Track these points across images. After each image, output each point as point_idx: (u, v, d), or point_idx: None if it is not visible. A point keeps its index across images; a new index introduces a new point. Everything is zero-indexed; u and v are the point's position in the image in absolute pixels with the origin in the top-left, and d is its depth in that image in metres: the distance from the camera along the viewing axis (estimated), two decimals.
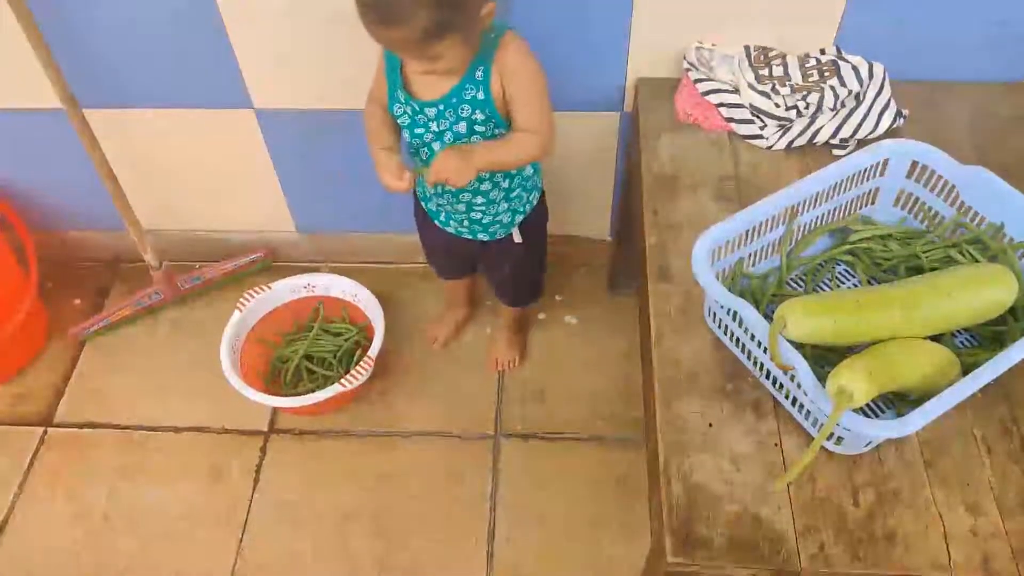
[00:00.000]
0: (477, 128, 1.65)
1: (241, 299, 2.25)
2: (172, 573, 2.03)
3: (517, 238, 1.93)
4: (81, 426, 2.28)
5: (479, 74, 1.59)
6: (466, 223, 1.89)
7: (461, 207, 1.83)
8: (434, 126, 1.66)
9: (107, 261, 2.64)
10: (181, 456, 2.22)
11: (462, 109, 1.62)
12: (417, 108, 1.64)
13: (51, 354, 2.44)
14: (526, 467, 2.17)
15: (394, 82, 1.66)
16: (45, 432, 2.27)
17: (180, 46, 1.98)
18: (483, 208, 1.83)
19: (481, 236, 1.92)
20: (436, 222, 1.95)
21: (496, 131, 1.67)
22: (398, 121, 1.70)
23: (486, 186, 1.78)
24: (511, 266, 2.07)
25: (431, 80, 1.60)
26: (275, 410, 2.29)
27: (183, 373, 2.37)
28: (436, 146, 1.68)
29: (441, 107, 1.63)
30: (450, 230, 1.94)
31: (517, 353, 2.35)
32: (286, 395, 2.22)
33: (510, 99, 1.63)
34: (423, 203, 1.95)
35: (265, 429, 2.26)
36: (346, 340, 2.34)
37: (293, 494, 2.15)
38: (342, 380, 2.09)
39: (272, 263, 2.61)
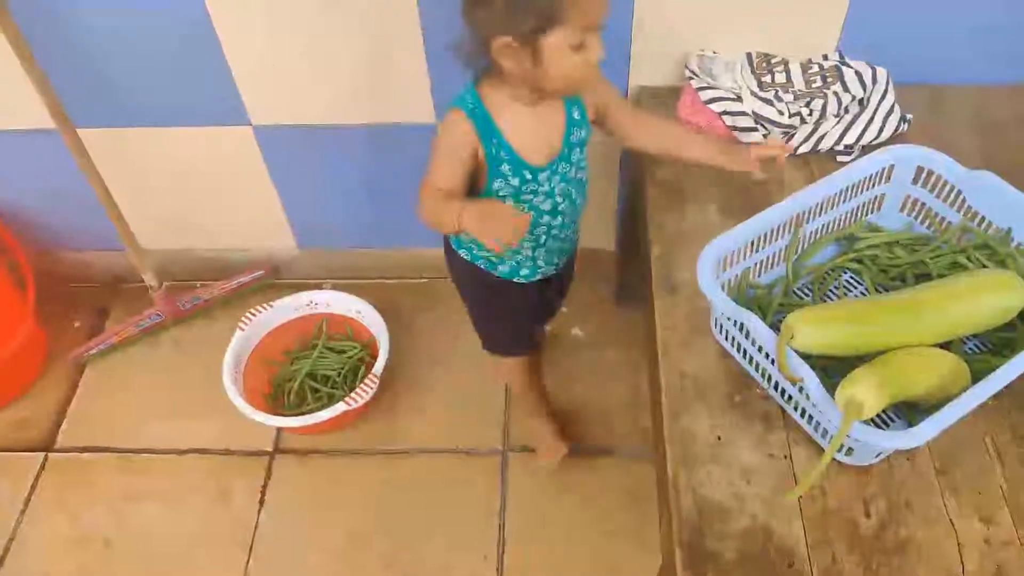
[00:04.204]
0: (581, 165, 1.61)
1: (243, 318, 2.23)
2: None
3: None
4: (82, 450, 2.26)
5: (576, 114, 1.54)
6: (556, 256, 1.76)
7: (569, 232, 1.73)
8: (544, 188, 1.56)
9: (106, 282, 2.62)
10: (185, 479, 2.20)
11: (573, 155, 1.57)
12: (529, 176, 1.52)
13: (51, 378, 2.42)
14: (535, 481, 2.15)
15: (497, 158, 1.49)
16: (46, 457, 2.25)
17: (175, 65, 1.97)
18: (576, 223, 1.76)
19: (562, 258, 1.80)
20: (517, 279, 1.76)
21: (586, 154, 1.62)
22: (499, 195, 1.54)
23: (581, 200, 1.70)
24: (569, 278, 2.00)
25: (538, 140, 1.51)
26: (279, 430, 2.27)
27: (185, 395, 2.35)
28: (547, 203, 1.59)
29: (555, 165, 1.54)
30: (537, 277, 1.78)
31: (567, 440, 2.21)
32: (290, 415, 2.20)
33: (608, 111, 1.59)
34: (493, 268, 1.74)
35: (270, 449, 2.24)
36: (350, 357, 2.33)
37: (300, 514, 2.12)
38: (347, 398, 2.07)
39: (273, 281, 2.59)
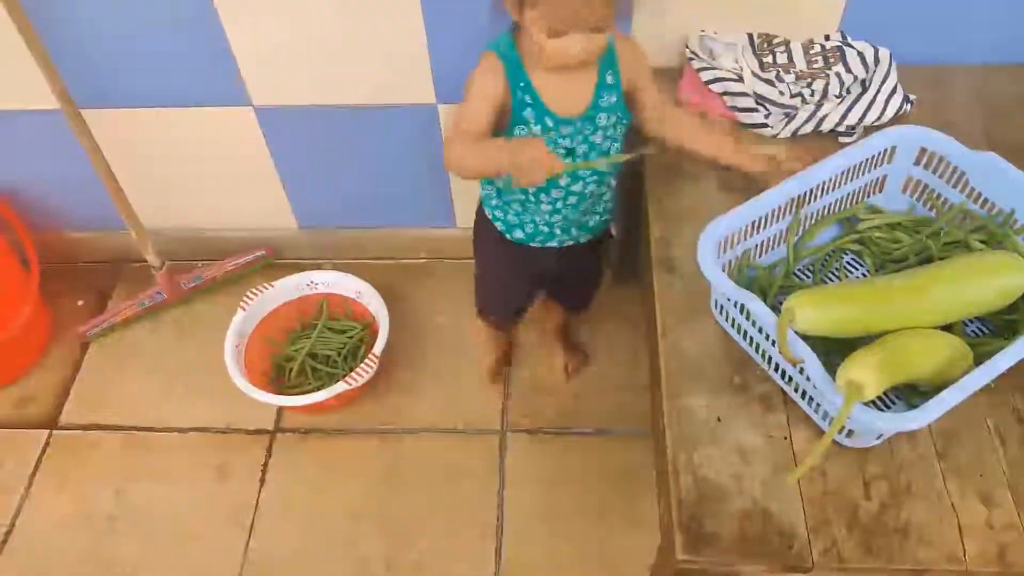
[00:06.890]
0: (609, 134, 1.59)
1: (244, 298, 2.23)
2: (178, 574, 2.02)
3: (612, 230, 1.85)
4: (86, 428, 2.27)
5: (610, 78, 1.54)
6: (574, 229, 1.76)
7: (588, 205, 1.71)
8: (565, 143, 1.56)
9: (109, 262, 2.62)
10: (187, 457, 2.20)
11: (599, 118, 1.55)
12: (551, 125, 1.53)
13: (54, 356, 2.43)
14: (533, 462, 2.15)
15: (522, 102, 1.52)
16: (50, 434, 2.26)
17: (177, 44, 1.96)
18: (607, 200, 1.75)
19: (585, 237, 1.80)
20: (531, 245, 1.79)
21: (622, 131, 1.61)
22: None
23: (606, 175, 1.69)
24: (594, 265, 1.99)
25: (566, 94, 1.52)
26: (280, 409, 2.27)
27: (187, 373, 2.36)
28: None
29: (578, 124, 1.55)
30: (552, 244, 1.79)
31: (582, 351, 2.31)
32: (291, 394, 2.20)
33: (637, 89, 1.60)
34: (509, 232, 1.78)
35: (270, 428, 2.24)
36: (350, 337, 2.32)
37: (300, 493, 2.13)
38: (347, 378, 2.07)
39: (274, 261, 2.59)
